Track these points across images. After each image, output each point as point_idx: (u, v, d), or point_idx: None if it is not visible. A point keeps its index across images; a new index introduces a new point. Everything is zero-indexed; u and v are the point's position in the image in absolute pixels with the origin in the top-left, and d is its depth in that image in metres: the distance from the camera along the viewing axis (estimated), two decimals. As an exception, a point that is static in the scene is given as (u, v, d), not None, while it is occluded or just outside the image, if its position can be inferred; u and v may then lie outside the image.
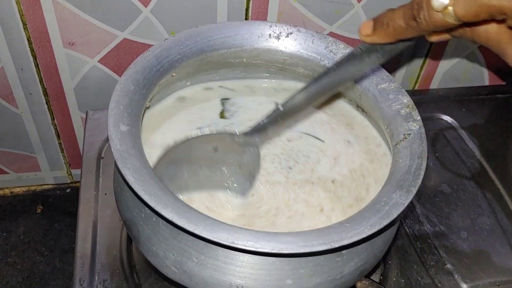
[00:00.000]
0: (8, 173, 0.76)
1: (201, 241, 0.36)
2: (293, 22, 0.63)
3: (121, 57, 0.64)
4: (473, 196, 0.61)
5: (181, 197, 0.44)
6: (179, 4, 0.59)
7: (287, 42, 0.50)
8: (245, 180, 0.47)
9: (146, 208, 0.38)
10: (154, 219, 0.38)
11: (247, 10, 0.62)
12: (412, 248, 0.55)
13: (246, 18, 0.63)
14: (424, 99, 0.72)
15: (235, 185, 0.46)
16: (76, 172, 0.79)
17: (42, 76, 0.64)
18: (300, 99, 0.41)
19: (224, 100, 0.53)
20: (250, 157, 0.46)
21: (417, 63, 0.73)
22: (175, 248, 0.38)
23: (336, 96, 0.53)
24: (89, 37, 0.61)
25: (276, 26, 0.50)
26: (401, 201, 0.37)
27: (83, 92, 0.67)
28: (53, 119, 0.70)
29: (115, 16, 0.59)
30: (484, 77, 0.78)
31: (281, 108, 0.42)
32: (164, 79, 0.46)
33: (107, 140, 0.61)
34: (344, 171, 0.48)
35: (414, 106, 0.45)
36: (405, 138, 0.42)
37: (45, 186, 0.79)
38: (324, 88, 0.41)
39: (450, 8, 0.30)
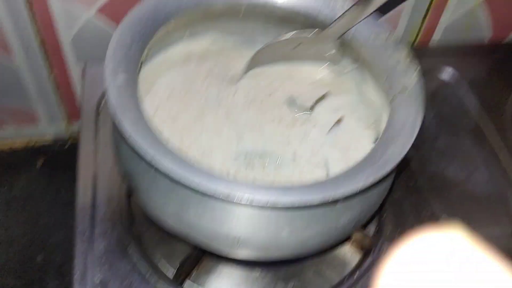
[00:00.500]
0: (6, 126, 0.77)
1: (198, 193, 0.37)
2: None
3: (118, 7, 0.63)
4: (469, 151, 0.61)
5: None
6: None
7: (285, -5, 0.49)
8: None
9: (144, 161, 0.39)
10: (152, 171, 0.39)
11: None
12: (407, 201, 0.56)
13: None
14: (424, 53, 0.71)
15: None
16: (75, 127, 0.79)
17: (38, 27, 0.63)
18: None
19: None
20: (330, 48, 0.50)
21: (418, 15, 0.72)
22: (173, 201, 0.39)
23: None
24: (85, -12, 0.60)
25: (275, -22, 0.49)
26: (395, 155, 0.37)
27: (81, 44, 0.66)
28: (51, 73, 0.70)
29: (111, -34, 0.58)
30: (487, 31, 0.77)
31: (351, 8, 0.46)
32: (161, 30, 0.46)
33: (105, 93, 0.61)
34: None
35: (413, 59, 0.44)
36: (403, 91, 0.42)
37: (45, 142, 0.80)
38: None
39: None
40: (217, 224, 0.39)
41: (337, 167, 0.44)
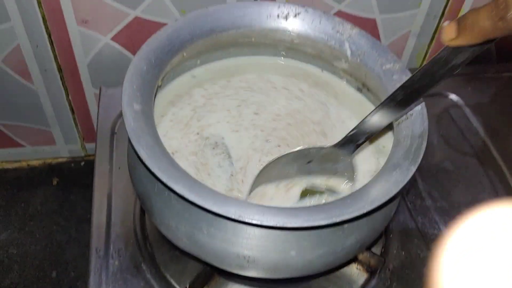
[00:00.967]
0: (24, 146, 0.79)
1: (210, 214, 0.38)
2: (302, 0, 0.64)
3: (133, 34, 0.65)
4: (475, 173, 0.62)
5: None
6: (190, -17, 0.61)
7: (295, 22, 0.51)
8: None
9: (159, 183, 0.40)
10: (166, 193, 0.40)
11: (256, -12, 0.62)
12: (413, 222, 0.57)
13: (256, -3, 0.64)
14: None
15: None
16: (89, 146, 0.81)
17: (56, 53, 0.66)
18: (387, 111, 0.41)
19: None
20: (343, 166, 0.46)
21: (425, 40, 0.74)
22: (186, 221, 0.40)
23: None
24: (102, 15, 0.63)
25: (285, 7, 0.51)
26: (400, 179, 0.38)
27: (96, 69, 0.69)
28: (68, 95, 0.72)
29: (127, -5, 0.61)
30: (492, 56, 0.79)
31: (367, 119, 0.42)
32: (175, 59, 0.48)
33: (120, 115, 0.64)
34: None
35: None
36: (407, 117, 0.44)
37: (60, 160, 0.82)
38: (411, 96, 0.40)
39: None
40: (228, 243, 0.40)
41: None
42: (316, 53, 0.53)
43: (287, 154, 0.46)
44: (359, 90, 0.54)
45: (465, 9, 0.70)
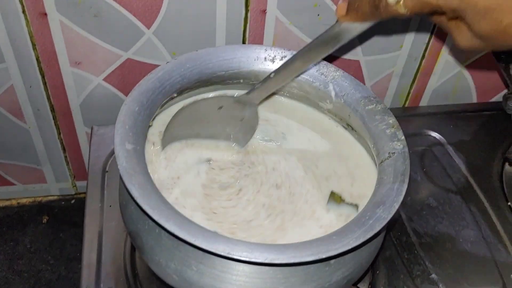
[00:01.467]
0: (15, 184, 0.80)
1: (200, 251, 0.39)
2: (288, 43, 0.66)
3: (124, 75, 0.67)
4: (458, 210, 0.64)
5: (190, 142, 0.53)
6: (180, 26, 0.63)
7: (282, 65, 0.53)
8: (244, 134, 0.54)
9: (150, 221, 0.41)
10: (157, 230, 0.41)
11: (244, 31, 0.65)
12: (399, 258, 0.58)
13: (244, 39, 0.66)
14: (413, 116, 0.75)
15: (235, 136, 0.54)
16: (80, 184, 0.82)
17: (49, 93, 0.67)
18: (289, 67, 0.48)
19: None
20: (250, 113, 0.53)
21: (407, 81, 0.77)
22: (176, 258, 0.41)
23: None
24: (95, 57, 0.64)
25: (271, 50, 0.54)
26: (383, 216, 0.40)
27: (88, 109, 0.70)
28: (59, 134, 0.73)
29: (120, 37, 0.63)
30: (472, 94, 0.81)
31: (271, 76, 0.49)
32: (166, 100, 0.50)
33: (111, 154, 0.65)
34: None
35: (399, 126, 0.48)
36: (390, 156, 0.45)
37: (51, 197, 0.82)
38: (308, 58, 0.47)
39: (401, 2, 0.37)
40: (217, 280, 0.41)
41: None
42: (302, 94, 0.55)
43: (204, 98, 0.53)
44: (345, 128, 0.55)
45: (444, 50, 0.73)
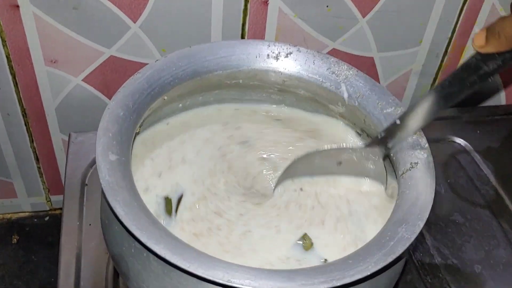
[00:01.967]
0: (-19, 199, 0.79)
1: (195, 278, 0.38)
2: (293, 38, 0.66)
3: (107, 75, 0.66)
4: (488, 226, 0.63)
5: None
6: (171, 19, 0.62)
7: (287, 63, 0.53)
8: None
9: (137, 243, 0.40)
10: (145, 254, 0.40)
11: (243, 25, 0.64)
12: (422, 283, 0.57)
13: (243, 34, 0.65)
14: (435, 121, 0.74)
15: None
16: (55, 198, 0.81)
17: (21, 95, 0.67)
18: (418, 113, 0.44)
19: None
20: (375, 169, 0.50)
21: (427, 80, 0.76)
22: (167, 285, 0.40)
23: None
24: (73, 55, 0.64)
25: (275, 46, 0.53)
26: (407, 236, 0.39)
27: (65, 113, 0.70)
28: (32, 142, 0.72)
29: (102, 32, 0.62)
30: (500, 96, 0.81)
31: (398, 122, 0.46)
32: (155, 103, 0.49)
33: (91, 165, 0.64)
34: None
35: (422, 133, 0.47)
36: (412, 167, 0.44)
37: (22, 214, 0.81)
38: (442, 103, 0.43)
39: None
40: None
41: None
42: (310, 95, 0.54)
43: (318, 151, 0.50)
44: (358, 134, 0.55)
45: (469, 46, 0.73)
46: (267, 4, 0.63)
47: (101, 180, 0.39)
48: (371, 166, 0.50)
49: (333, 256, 0.46)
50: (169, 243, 0.36)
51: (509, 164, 0.71)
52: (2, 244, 0.78)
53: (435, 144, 0.71)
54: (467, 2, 0.68)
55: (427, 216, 0.41)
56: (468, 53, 0.73)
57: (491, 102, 0.81)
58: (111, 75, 0.66)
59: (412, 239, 0.39)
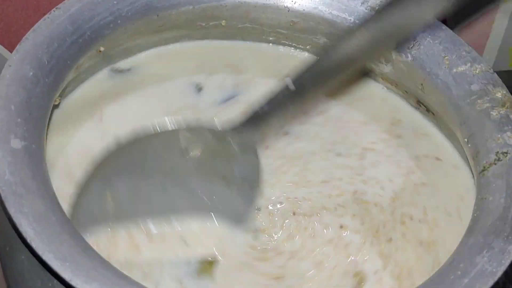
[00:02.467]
0: None
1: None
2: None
3: (8, 15, 0.66)
4: None
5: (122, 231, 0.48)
6: None
7: (297, -6, 0.53)
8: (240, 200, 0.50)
9: (56, 281, 0.40)
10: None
11: None
12: None
13: None
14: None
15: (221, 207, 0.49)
16: None
17: None
18: (323, 67, 0.44)
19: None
20: (245, 166, 0.49)
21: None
22: None
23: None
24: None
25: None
26: (490, 269, 0.39)
27: None
28: None
29: None
30: None
31: (291, 87, 0.44)
32: (86, 57, 0.49)
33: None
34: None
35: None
36: (499, 159, 0.44)
37: None
38: (364, 50, 0.43)
39: None
40: None
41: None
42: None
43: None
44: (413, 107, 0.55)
45: None
46: None
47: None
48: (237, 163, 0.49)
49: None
50: (107, 279, 0.36)
51: None
52: None
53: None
54: None
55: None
56: None
57: None
58: (12, 17, 0.66)
59: (499, 273, 0.39)
